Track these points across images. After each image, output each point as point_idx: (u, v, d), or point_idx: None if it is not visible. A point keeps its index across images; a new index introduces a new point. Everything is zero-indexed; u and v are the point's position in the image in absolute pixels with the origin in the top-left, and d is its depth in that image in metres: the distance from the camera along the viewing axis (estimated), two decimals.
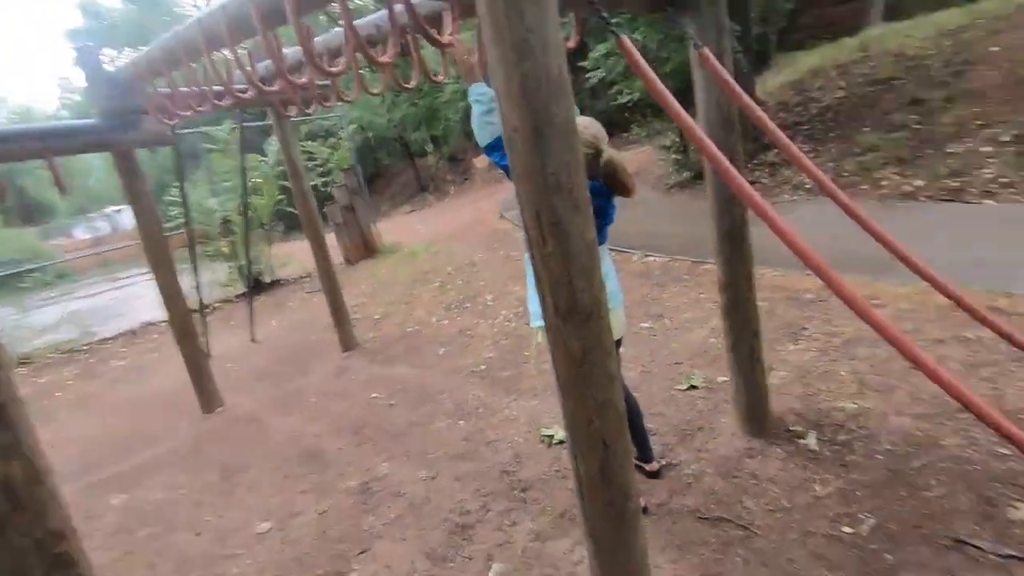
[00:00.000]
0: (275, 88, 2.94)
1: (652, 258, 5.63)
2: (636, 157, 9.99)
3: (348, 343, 5.26)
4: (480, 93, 2.03)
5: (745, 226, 2.42)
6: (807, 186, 6.65)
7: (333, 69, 2.36)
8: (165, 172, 19.89)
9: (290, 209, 9.85)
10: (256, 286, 8.21)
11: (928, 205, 5.36)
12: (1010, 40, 6.88)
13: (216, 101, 3.31)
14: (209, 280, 7.99)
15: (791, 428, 2.61)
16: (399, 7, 1.97)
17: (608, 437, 1.58)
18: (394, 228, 12.13)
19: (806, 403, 2.78)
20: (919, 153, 6.12)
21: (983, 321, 2.09)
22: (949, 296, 2.10)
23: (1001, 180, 5.23)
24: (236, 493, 3.25)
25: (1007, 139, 5.63)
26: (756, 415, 2.60)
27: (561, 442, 2.97)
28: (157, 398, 5.26)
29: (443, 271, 7.19)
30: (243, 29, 2.58)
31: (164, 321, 8.34)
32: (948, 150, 5.91)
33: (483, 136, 2.05)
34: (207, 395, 4.46)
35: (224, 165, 8.58)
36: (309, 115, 4.11)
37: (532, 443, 3.06)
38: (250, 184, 8.33)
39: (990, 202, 5.07)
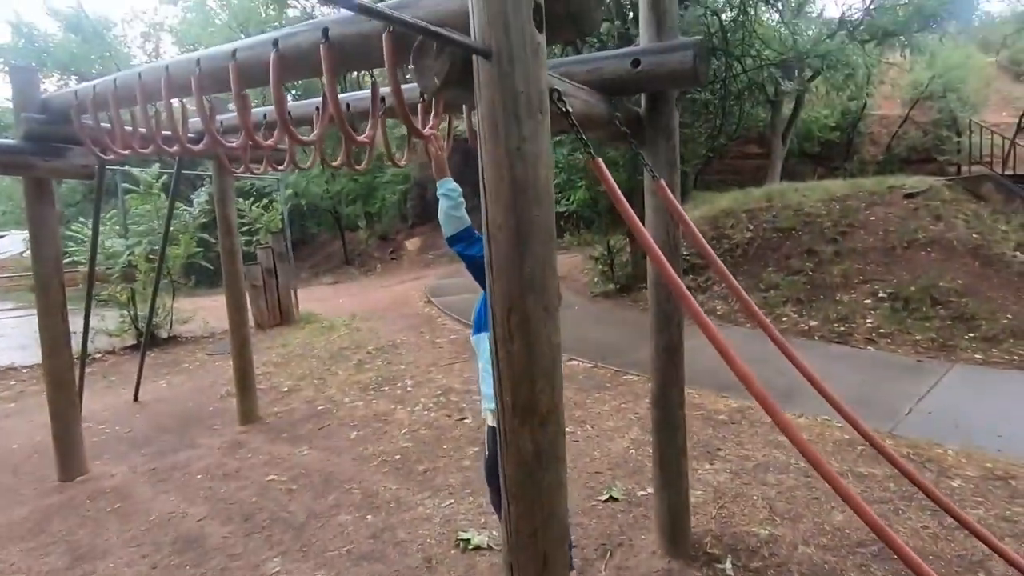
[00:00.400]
0: (233, 144, 2.87)
1: (576, 362, 5.74)
2: (565, 262, 10.47)
3: (248, 415, 4.83)
4: (450, 188, 2.17)
5: (681, 343, 2.55)
6: (718, 311, 7.19)
7: (305, 138, 2.36)
8: (66, 205, 18.40)
9: (203, 263, 9.38)
10: (149, 340, 7.48)
11: (820, 344, 5.93)
12: (882, 214, 8.09)
13: (164, 146, 3.19)
14: (95, 327, 7.21)
15: (709, 551, 2.62)
16: (385, 91, 2.04)
17: (549, 551, 1.52)
18: (313, 297, 11.70)
19: (722, 525, 2.82)
20: (813, 297, 6.85)
21: (889, 458, 2.26)
22: (858, 430, 2.27)
23: (880, 330, 5.92)
24: None
25: (883, 296, 6.46)
26: (676, 534, 2.60)
27: (477, 548, 2.81)
28: (3, 457, 4.49)
29: (363, 349, 6.93)
30: (215, 85, 2.55)
31: (29, 367, 7.36)
32: (837, 297, 6.68)
33: (449, 228, 2.17)
34: (69, 459, 3.87)
35: (141, 208, 8.08)
36: (256, 175, 4.02)
37: (446, 546, 2.86)
38: (172, 232, 7.86)
39: (871, 348, 5.70)
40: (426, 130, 2.00)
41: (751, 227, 8.89)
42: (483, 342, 2.38)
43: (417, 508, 3.26)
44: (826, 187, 9.59)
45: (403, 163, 3.58)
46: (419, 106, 2.76)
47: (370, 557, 2.82)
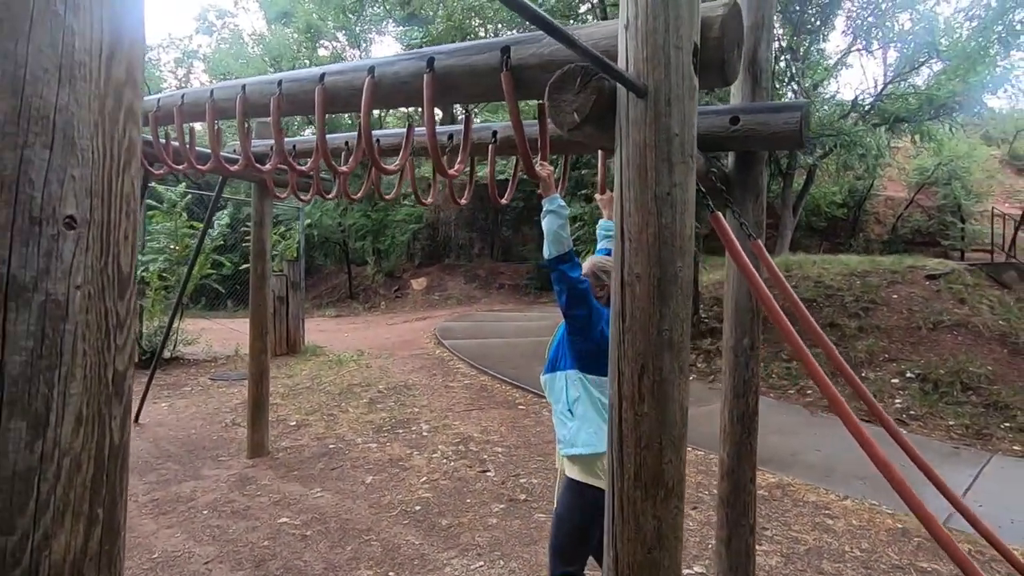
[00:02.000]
0: (305, 168, 2.81)
1: None
2: None
3: (258, 449, 4.58)
4: (560, 206, 2.10)
5: (757, 412, 2.40)
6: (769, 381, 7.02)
7: (390, 167, 2.29)
8: None
9: (215, 285, 9.24)
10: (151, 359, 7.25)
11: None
12: (905, 292, 8.06)
13: (200, 165, 3.13)
14: None
15: None
16: (500, 127, 1.98)
17: None
18: (315, 328, 11.50)
19: None
20: (838, 371, 6.71)
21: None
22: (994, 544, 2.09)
23: (911, 412, 5.77)
24: None
25: (911, 376, 6.33)
26: None
27: None
28: None
29: (373, 387, 6.70)
30: (293, 107, 2.50)
31: None
32: (863, 374, 6.54)
33: (556, 248, 2.09)
34: None
35: (162, 225, 8.00)
36: (302, 200, 3.96)
37: None
38: (186, 252, 7.77)
39: (903, 430, 5.52)
40: (537, 166, 1.94)
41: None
42: (556, 381, 2.29)
43: (444, 568, 3.02)
44: (844, 261, 9.62)
45: (430, 201, 3.56)
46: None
47: None
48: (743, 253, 1.64)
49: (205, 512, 3.63)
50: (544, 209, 2.13)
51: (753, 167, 2.36)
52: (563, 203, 2.13)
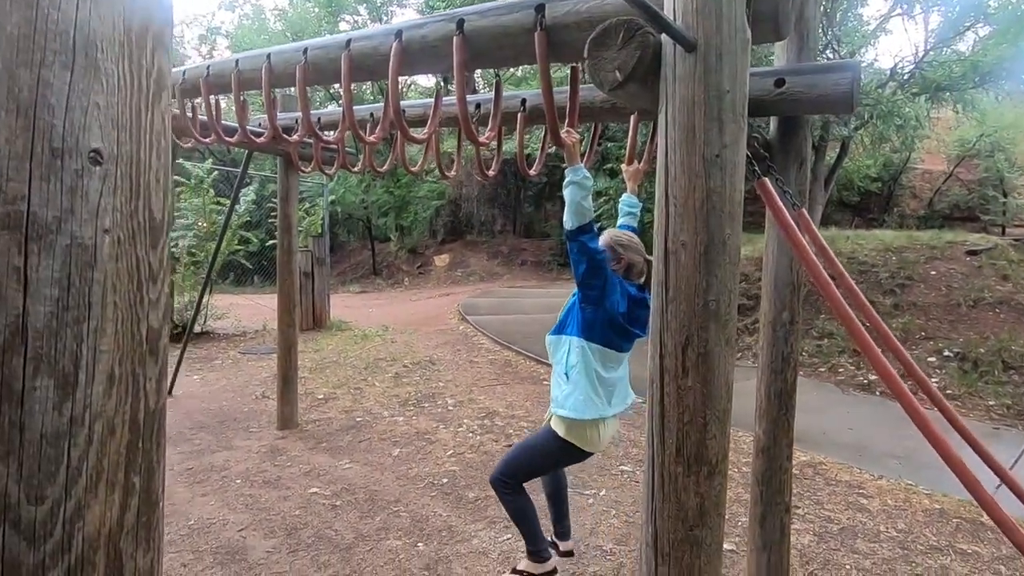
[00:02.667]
0: (330, 138, 2.77)
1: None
2: None
3: (287, 420, 4.66)
4: (584, 176, 2.05)
5: (795, 389, 2.33)
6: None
7: (418, 136, 2.23)
8: None
9: (242, 261, 9.36)
10: (182, 333, 7.41)
11: (883, 401, 5.61)
12: (944, 269, 7.78)
13: (227, 138, 3.11)
14: None
15: None
16: (529, 95, 1.90)
17: None
18: (340, 304, 11.62)
19: None
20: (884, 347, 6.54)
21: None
22: None
23: (948, 392, 5.59)
24: None
25: (949, 355, 6.13)
26: None
27: None
28: None
29: (399, 362, 6.76)
30: (319, 76, 2.45)
31: None
32: (889, 352, 6.35)
33: (578, 219, 2.05)
34: None
35: (189, 202, 8.08)
36: (327, 175, 3.93)
37: None
38: (214, 228, 7.86)
39: (932, 408, 5.36)
40: (562, 131, 1.86)
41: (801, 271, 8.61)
42: (560, 344, 2.33)
43: (472, 540, 3.04)
44: (879, 236, 9.31)
45: (452, 174, 3.49)
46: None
47: None
48: (792, 222, 1.55)
49: (238, 481, 3.71)
50: (567, 179, 2.07)
51: (797, 133, 2.24)
52: (587, 173, 2.07)
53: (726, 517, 1.38)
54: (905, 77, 13.59)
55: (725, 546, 2.91)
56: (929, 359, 6.14)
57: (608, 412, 2.27)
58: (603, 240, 2.32)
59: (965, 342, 6.20)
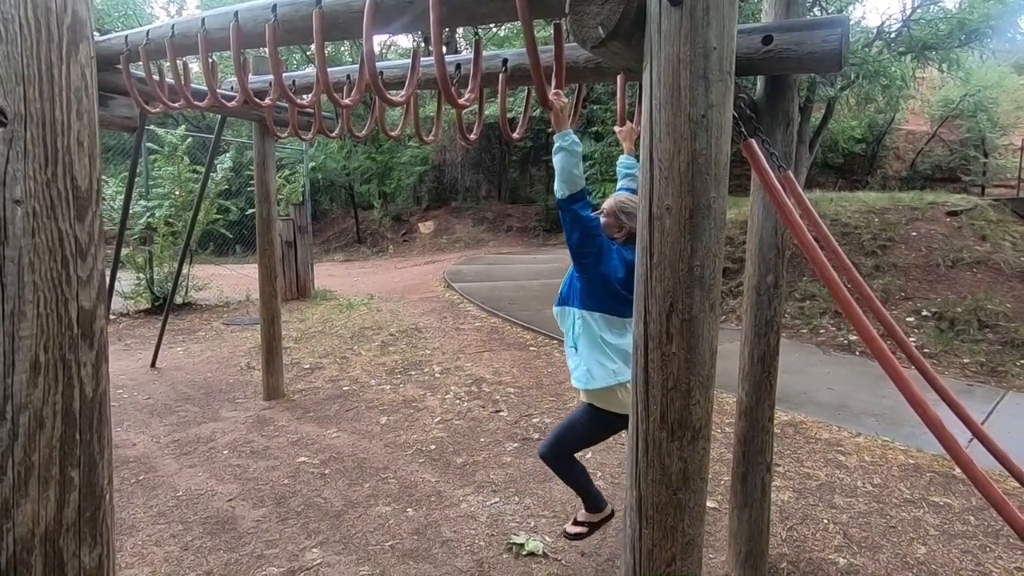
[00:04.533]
0: (304, 102, 2.66)
1: None
2: None
3: (273, 391, 4.64)
4: (573, 142, 2.00)
5: (778, 353, 2.35)
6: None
7: (396, 98, 2.15)
8: None
9: (222, 231, 9.17)
10: (163, 305, 7.30)
11: (862, 360, 5.73)
12: (924, 230, 7.86)
13: (197, 102, 2.99)
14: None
15: None
16: (511, 55, 1.83)
17: None
18: (325, 273, 11.51)
19: (795, 550, 2.64)
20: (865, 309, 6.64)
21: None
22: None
23: (925, 351, 5.72)
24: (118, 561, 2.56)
25: (927, 314, 6.25)
26: (753, 556, 2.42)
27: (532, 554, 2.62)
28: None
29: (384, 330, 6.73)
30: (291, 36, 2.34)
31: None
32: (871, 313, 6.46)
33: (569, 187, 2.01)
34: None
35: (164, 170, 7.85)
36: (304, 140, 3.81)
37: (496, 549, 2.68)
38: (190, 197, 7.66)
39: (911, 368, 5.49)
40: (550, 93, 1.80)
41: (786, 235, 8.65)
42: (566, 316, 2.32)
43: (460, 504, 3.08)
44: (862, 198, 9.35)
45: (431, 139, 3.38)
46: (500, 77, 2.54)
47: (415, 555, 2.64)
48: (778, 184, 1.53)
49: (225, 452, 3.71)
50: (557, 145, 2.02)
51: (784, 93, 2.20)
52: (576, 139, 2.02)
53: (708, 477, 1.39)
54: (892, 36, 13.45)
55: (708, 504, 2.98)
56: (908, 319, 6.25)
57: (625, 376, 2.20)
58: (607, 206, 2.30)
59: (943, 302, 6.32)
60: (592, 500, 2.51)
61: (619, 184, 2.64)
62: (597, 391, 2.23)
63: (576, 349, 2.26)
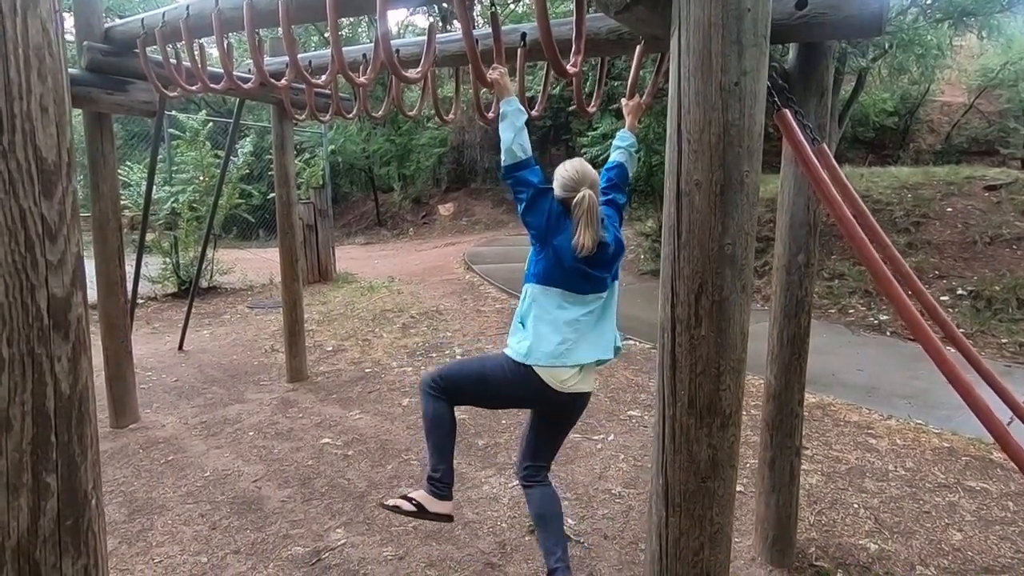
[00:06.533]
0: (320, 81, 2.62)
1: (632, 342, 5.49)
2: None
3: (297, 373, 4.69)
4: (519, 108, 1.98)
5: (809, 334, 2.27)
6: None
7: (411, 75, 2.09)
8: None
9: (245, 215, 9.26)
10: (189, 288, 7.42)
11: (893, 341, 5.57)
12: (960, 206, 7.56)
13: (213, 85, 2.96)
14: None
15: (815, 563, 2.39)
16: (530, 29, 1.76)
17: (714, 572, 1.29)
18: (346, 256, 11.58)
19: (824, 535, 2.59)
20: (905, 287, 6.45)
21: None
22: None
23: (961, 331, 5.52)
24: (146, 540, 2.62)
25: (963, 293, 6.04)
26: (781, 541, 2.37)
27: None
28: None
29: (406, 313, 6.76)
30: (305, 14, 2.29)
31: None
32: (910, 292, 6.26)
33: (515, 153, 1.99)
34: (122, 406, 3.77)
35: (187, 156, 7.92)
36: (322, 121, 3.79)
37: (519, 532, 2.68)
38: (212, 182, 7.72)
39: (951, 349, 5.32)
40: (569, 67, 1.73)
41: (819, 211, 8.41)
42: (527, 291, 2.10)
43: (483, 486, 3.08)
44: (894, 174, 9.03)
45: (450, 118, 3.29)
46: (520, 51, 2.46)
47: (438, 536, 2.65)
48: (813, 157, 1.45)
49: (251, 433, 3.76)
50: (500, 111, 1.99)
51: (819, 62, 2.09)
52: (520, 107, 2.00)
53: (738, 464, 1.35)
54: (928, 2, 12.84)
55: None
56: (943, 298, 6.04)
57: (570, 361, 1.99)
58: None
59: (979, 280, 6.09)
60: (441, 483, 2.14)
61: (611, 157, 2.44)
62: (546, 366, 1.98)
63: (523, 325, 2.05)
